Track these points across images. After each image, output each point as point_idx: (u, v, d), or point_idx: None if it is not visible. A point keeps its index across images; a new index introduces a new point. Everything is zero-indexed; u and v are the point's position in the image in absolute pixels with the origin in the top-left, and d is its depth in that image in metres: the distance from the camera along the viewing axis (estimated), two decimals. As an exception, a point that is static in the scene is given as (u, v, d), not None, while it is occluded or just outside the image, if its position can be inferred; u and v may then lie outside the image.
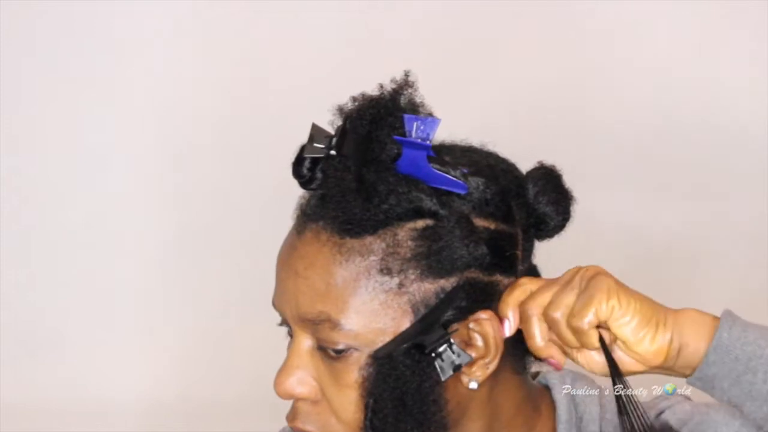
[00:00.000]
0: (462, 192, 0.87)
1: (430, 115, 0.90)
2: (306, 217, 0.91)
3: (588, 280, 0.86)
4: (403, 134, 0.87)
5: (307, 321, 0.90)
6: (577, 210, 0.95)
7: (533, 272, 0.95)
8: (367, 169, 0.86)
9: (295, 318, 0.91)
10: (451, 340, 0.87)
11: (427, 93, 0.91)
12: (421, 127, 0.86)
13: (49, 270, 2.39)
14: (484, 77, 2.33)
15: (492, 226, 0.88)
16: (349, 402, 0.89)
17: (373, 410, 0.88)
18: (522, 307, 0.88)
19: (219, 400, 2.27)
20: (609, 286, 0.85)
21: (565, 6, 2.35)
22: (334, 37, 2.38)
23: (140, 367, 2.34)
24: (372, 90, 0.90)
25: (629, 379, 0.88)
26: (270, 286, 0.97)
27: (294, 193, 0.95)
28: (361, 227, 0.87)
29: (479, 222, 0.88)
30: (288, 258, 0.91)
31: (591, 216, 2.25)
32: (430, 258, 0.86)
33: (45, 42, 2.36)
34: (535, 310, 0.88)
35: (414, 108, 0.89)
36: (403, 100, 0.89)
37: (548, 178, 0.93)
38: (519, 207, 0.91)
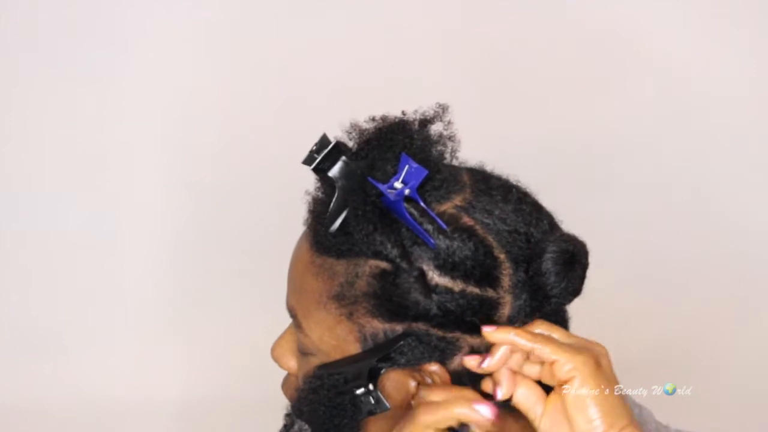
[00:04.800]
0: (430, 246, 0.85)
1: (446, 148, 0.88)
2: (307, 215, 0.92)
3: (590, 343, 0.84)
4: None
5: (288, 308, 0.92)
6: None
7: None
8: (353, 198, 0.85)
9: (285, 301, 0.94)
10: (370, 387, 0.87)
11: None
12: (411, 171, 0.85)
13: (50, 270, 2.39)
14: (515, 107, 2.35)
15: (457, 287, 0.85)
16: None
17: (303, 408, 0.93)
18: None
19: (220, 401, 2.27)
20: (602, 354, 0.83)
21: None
22: (341, 43, 2.38)
23: (140, 367, 2.34)
24: (392, 114, 0.88)
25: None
26: (271, 287, 0.97)
27: (295, 195, 0.94)
28: (326, 250, 0.87)
29: (440, 280, 0.85)
30: (296, 244, 0.93)
31: (601, 213, 2.27)
32: (381, 299, 0.85)
33: (45, 41, 2.36)
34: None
35: (440, 140, 0.88)
36: (432, 131, 0.88)
37: (571, 260, 0.85)
38: (517, 275, 0.86)
